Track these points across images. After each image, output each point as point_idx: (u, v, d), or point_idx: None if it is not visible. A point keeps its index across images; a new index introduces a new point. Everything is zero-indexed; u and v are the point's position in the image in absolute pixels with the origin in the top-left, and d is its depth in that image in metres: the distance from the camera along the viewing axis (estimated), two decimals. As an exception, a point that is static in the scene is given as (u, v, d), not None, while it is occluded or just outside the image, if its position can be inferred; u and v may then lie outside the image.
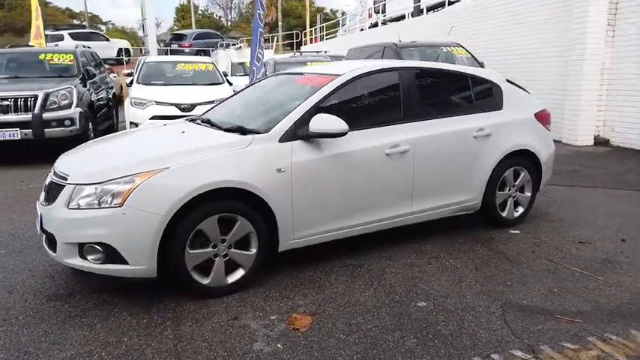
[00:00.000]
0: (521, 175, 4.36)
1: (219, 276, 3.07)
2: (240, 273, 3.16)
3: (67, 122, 7.11)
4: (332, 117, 3.25)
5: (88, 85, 8.24)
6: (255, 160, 3.11)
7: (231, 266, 3.12)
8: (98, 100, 8.76)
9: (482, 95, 4.29)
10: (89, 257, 2.88)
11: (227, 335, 2.67)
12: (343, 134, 3.27)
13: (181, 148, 3.15)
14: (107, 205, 2.80)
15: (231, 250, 3.09)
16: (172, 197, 2.83)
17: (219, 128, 3.52)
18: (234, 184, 2.99)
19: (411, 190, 3.75)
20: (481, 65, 9.50)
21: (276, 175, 3.13)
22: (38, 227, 3.11)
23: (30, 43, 13.44)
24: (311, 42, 27.19)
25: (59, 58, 8.35)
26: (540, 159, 4.41)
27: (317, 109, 3.37)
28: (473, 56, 9.69)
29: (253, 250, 3.16)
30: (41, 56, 8.36)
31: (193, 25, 36.46)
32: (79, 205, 2.84)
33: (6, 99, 6.88)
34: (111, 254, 2.83)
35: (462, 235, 4.17)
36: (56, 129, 7.03)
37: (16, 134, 6.83)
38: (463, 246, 3.96)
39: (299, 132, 3.27)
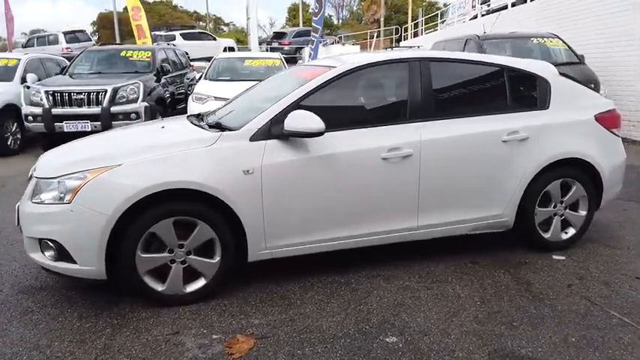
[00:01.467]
0: (573, 190, 3.57)
1: (175, 284, 2.85)
2: (200, 282, 2.91)
3: (132, 115, 7.45)
4: (308, 114, 2.86)
5: (162, 81, 8.61)
6: (218, 160, 2.84)
7: (191, 274, 2.89)
8: (173, 94, 9.12)
9: (521, 91, 3.58)
10: (46, 253, 2.82)
11: (155, 352, 2.44)
12: (319, 134, 2.87)
13: (144, 144, 2.99)
14: (59, 202, 2.71)
15: (190, 256, 2.85)
16: (120, 196, 2.66)
17: (202, 125, 3.30)
18: (189, 185, 2.75)
19: (415, 202, 3.21)
20: (580, 59, 8.28)
21: (242, 178, 2.83)
22: (16, 221, 3.14)
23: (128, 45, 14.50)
24: (414, 36, 26.27)
25: (138, 55, 8.82)
26: (600, 170, 3.57)
27: (298, 105, 3.00)
28: (570, 48, 8.49)
29: (216, 259, 2.89)
30: (122, 54, 8.89)
31: (300, 23, 37.21)
32: (41, 199, 2.79)
33: (80, 93, 7.38)
34: (61, 252, 2.75)
35: (486, 256, 3.52)
36: (123, 122, 7.37)
37: (87, 126, 7.29)
38: (481, 270, 3.33)
39: (274, 130, 2.93)
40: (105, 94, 7.35)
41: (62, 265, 2.76)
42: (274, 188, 2.90)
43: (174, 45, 13.44)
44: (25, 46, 21.66)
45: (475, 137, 3.30)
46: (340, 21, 59.54)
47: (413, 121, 3.20)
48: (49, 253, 2.80)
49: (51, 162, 3.02)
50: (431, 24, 24.27)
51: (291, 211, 2.98)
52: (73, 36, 21.40)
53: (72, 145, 3.38)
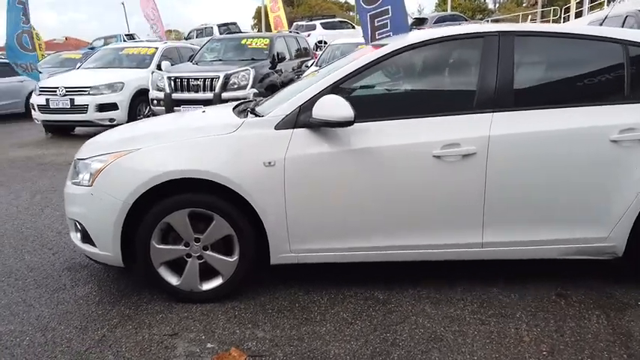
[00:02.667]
0: None
1: (191, 280, 2.65)
2: (217, 281, 2.67)
3: (242, 101, 7.59)
4: (335, 100, 2.41)
5: (276, 67, 8.66)
6: (237, 149, 2.55)
7: (208, 272, 2.66)
8: (291, 81, 9.13)
9: (648, 75, 2.65)
10: (77, 234, 2.83)
11: (143, 353, 2.26)
12: (347, 123, 2.41)
13: (171, 129, 2.82)
14: (85, 184, 2.68)
15: (207, 252, 2.62)
16: (134, 182, 2.52)
17: (238, 111, 3.03)
18: (201, 175, 2.51)
19: (480, 212, 2.57)
20: None
21: (262, 170, 2.51)
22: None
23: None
24: (576, 17, 23.14)
25: (257, 43, 8.98)
26: None
27: (334, 90, 2.56)
28: None
29: (234, 258, 2.63)
30: (243, 42, 9.15)
31: (449, 8, 35.44)
32: (75, 181, 2.80)
33: (197, 79, 7.74)
34: (84, 234, 2.73)
35: (579, 290, 2.70)
36: (233, 107, 7.57)
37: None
38: (566, 308, 2.55)
39: (303, 118, 2.54)
40: (217, 81, 7.59)
41: (86, 248, 2.74)
42: (299, 183, 2.52)
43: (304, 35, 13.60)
44: (187, 38, 24.07)
45: (570, 134, 2.52)
46: (497, 4, 55.56)
47: (481, 111, 2.54)
48: (77, 235, 2.81)
49: (91, 143, 3.03)
50: (596, 2, 21.10)
51: (318, 211, 2.57)
52: (226, 28, 23.13)
53: (120, 128, 3.39)
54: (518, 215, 2.59)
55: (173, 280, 2.66)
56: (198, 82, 7.69)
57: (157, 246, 2.61)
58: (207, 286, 2.67)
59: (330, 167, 2.52)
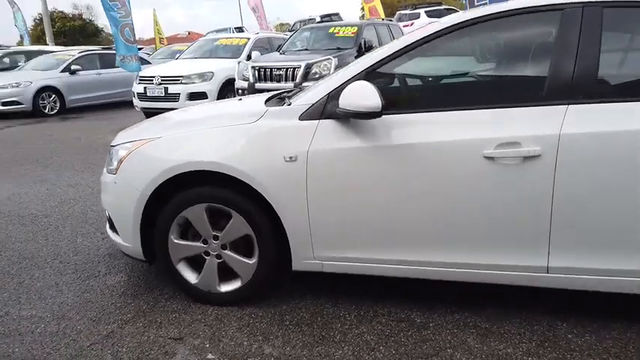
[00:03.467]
0: None
1: (209, 279, 2.47)
2: (236, 284, 2.46)
3: (322, 92, 7.37)
4: (363, 87, 2.05)
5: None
6: (256, 140, 2.29)
7: (227, 273, 2.46)
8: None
9: None
10: (107, 222, 2.79)
11: (141, 356, 2.11)
12: (373, 114, 2.04)
13: (197, 117, 2.63)
14: (112, 171, 2.61)
15: (226, 252, 2.42)
16: (151, 173, 2.38)
17: (270, 100, 2.77)
18: (215, 168, 2.29)
19: (545, 229, 2.06)
20: None
21: (282, 165, 2.23)
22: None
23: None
24: None
25: (344, 32, 8.70)
26: None
27: (369, 75, 2.20)
28: None
29: (253, 260, 2.39)
30: (330, 30, 8.90)
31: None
32: (108, 168, 2.75)
33: (280, 69, 7.66)
34: (111, 223, 2.66)
35: (681, 340, 2.08)
36: (313, 98, 7.38)
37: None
38: (657, 362, 1.96)
39: (330, 107, 2.21)
40: (299, 70, 7.45)
41: (113, 237, 2.67)
42: (323, 182, 2.21)
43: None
44: (291, 29, 24.53)
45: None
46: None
47: (551, 102, 2.02)
48: (107, 223, 2.76)
49: (126, 130, 2.96)
50: None
51: (346, 215, 2.24)
52: (328, 19, 23.17)
53: (162, 115, 3.29)
54: (595, 236, 2.03)
55: (192, 278, 2.50)
56: (281, 72, 7.61)
57: (175, 241, 2.46)
58: (226, 287, 2.47)
59: (359, 165, 2.16)
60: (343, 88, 2.13)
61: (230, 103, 3.10)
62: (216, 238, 2.41)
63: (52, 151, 6.69)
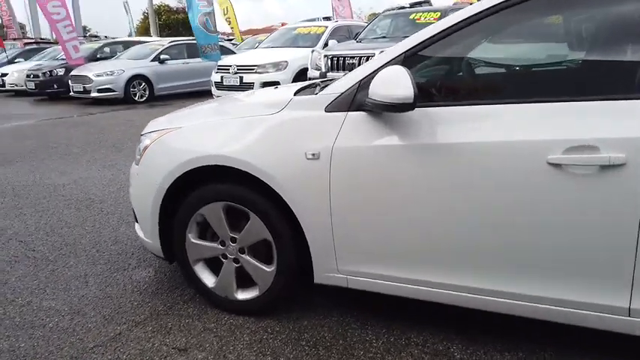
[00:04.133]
0: None
1: (226, 284, 2.25)
2: (254, 292, 2.22)
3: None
4: (395, 73, 1.69)
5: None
6: (276, 133, 2.01)
7: (246, 280, 2.23)
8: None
9: None
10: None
11: (139, 365, 1.94)
12: (405, 106, 1.68)
13: (228, 106, 2.40)
14: (136, 162, 2.47)
15: (244, 256, 2.18)
16: (169, 165, 2.20)
17: (301, 88, 2.47)
18: (229, 163, 2.04)
19: (629, 260, 1.58)
20: None
21: (303, 163, 1.93)
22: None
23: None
24: None
25: (425, 17, 8.15)
26: None
27: (408, 61, 1.82)
28: None
29: (272, 267, 2.13)
30: (411, 16, 8.38)
31: None
32: (137, 158, 2.63)
33: (353, 57, 7.33)
34: (135, 216, 2.53)
35: None
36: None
37: (353, 91, 7.20)
38: None
39: (360, 97, 1.87)
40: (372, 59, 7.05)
41: (137, 231, 2.55)
42: (348, 185, 1.88)
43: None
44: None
45: None
46: None
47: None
48: (134, 217, 2.64)
49: (156, 119, 2.80)
50: None
51: (375, 225, 1.89)
52: (419, 7, 22.35)
53: (200, 103, 3.11)
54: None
55: (209, 281, 2.30)
56: (354, 61, 7.28)
57: (193, 240, 2.26)
58: (243, 295, 2.24)
59: (392, 167, 1.81)
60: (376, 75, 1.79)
61: (265, 92, 2.86)
62: (234, 240, 2.18)
63: (129, 137, 6.92)
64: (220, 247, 2.22)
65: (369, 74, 1.87)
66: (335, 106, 1.92)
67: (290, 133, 1.98)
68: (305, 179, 1.94)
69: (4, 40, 20.01)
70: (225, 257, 2.23)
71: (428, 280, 1.87)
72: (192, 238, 2.26)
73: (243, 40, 18.20)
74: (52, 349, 2.04)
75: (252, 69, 8.52)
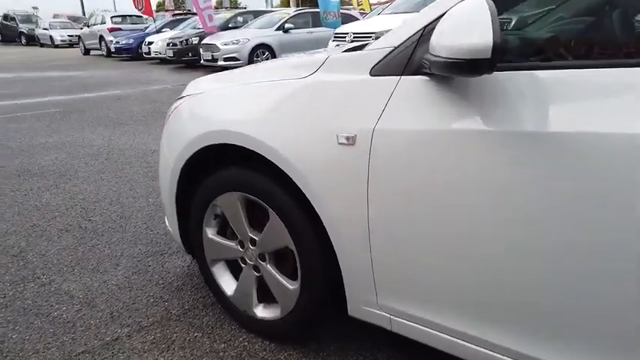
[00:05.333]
0: None
1: (245, 295, 1.77)
2: (274, 312, 1.71)
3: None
4: (478, 8, 0.99)
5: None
6: (299, 106, 1.42)
7: (269, 293, 1.72)
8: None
9: None
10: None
11: (116, 388, 1.55)
12: (477, 66, 0.97)
13: (262, 67, 1.85)
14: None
15: (264, 264, 1.67)
16: (181, 142, 1.75)
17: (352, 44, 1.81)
18: (240, 142, 1.51)
19: None
20: None
21: (333, 149, 1.33)
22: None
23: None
24: None
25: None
26: None
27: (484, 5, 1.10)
28: None
29: (295, 284, 1.60)
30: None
31: None
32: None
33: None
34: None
35: None
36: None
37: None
38: None
39: (421, 54, 1.20)
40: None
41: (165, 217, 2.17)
42: (395, 185, 1.24)
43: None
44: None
45: None
46: None
47: None
48: (168, 195, 2.27)
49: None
50: None
51: (433, 248, 1.24)
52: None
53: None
54: None
55: (228, 288, 1.84)
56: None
57: (210, 235, 1.81)
58: (263, 313, 1.74)
59: (463, 165, 1.13)
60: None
61: (313, 53, 2.25)
62: (254, 242, 1.67)
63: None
64: (239, 248, 1.74)
65: (437, 18, 1.19)
66: (384, 68, 1.28)
67: (317, 106, 1.38)
68: (333, 172, 1.34)
69: (157, 12, 21.81)
70: (245, 262, 1.74)
71: (521, 352, 1.17)
72: (209, 232, 1.81)
73: (371, 9, 17.43)
74: (39, 347, 1.75)
75: (369, 36, 7.84)
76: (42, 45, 27.06)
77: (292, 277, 1.63)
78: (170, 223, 1.98)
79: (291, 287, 1.60)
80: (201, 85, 1.91)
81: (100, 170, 3.88)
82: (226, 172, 1.66)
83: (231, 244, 1.75)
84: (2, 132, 5.33)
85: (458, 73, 1.03)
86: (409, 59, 1.23)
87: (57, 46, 25.84)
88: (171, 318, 1.90)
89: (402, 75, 1.24)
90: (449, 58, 1.02)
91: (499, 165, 1.06)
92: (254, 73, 1.72)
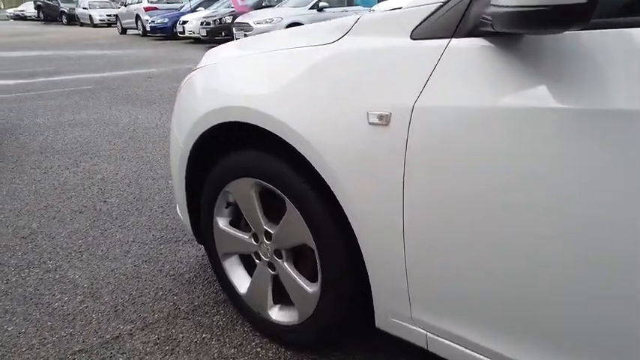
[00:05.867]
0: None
1: (259, 295, 1.56)
2: (291, 316, 1.50)
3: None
4: None
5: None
6: (321, 77, 1.17)
7: (284, 295, 1.51)
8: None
9: None
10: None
11: (110, 396, 1.38)
12: (569, 13, 0.69)
13: (290, 32, 1.60)
14: (178, 110, 1.86)
15: (280, 262, 1.45)
16: (190, 119, 1.54)
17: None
18: (254, 120, 1.29)
19: None
20: None
21: (362, 129, 1.08)
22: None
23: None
24: None
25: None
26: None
27: None
28: None
29: (314, 287, 1.37)
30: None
31: None
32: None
33: None
34: (175, 181, 1.96)
35: None
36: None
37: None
38: None
39: (478, 10, 0.93)
40: None
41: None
42: (439, 175, 0.99)
43: None
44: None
45: None
46: None
47: None
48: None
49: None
50: None
51: (484, 254, 0.99)
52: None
53: None
54: None
55: (241, 285, 1.63)
56: None
57: (222, 226, 1.60)
58: (278, 316, 1.53)
59: (535, 150, 0.86)
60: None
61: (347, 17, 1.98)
62: (269, 237, 1.46)
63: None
64: (253, 242, 1.52)
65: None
66: (429, 29, 1.02)
67: (343, 78, 1.13)
68: (362, 160, 1.10)
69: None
70: (259, 258, 1.53)
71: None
72: (221, 223, 1.60)
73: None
74: (34, 343, 1.59)
75: (408, 14, 7.45)
76: (81, 24, 27.44)
77: (311, 278, 1.41)
78: (181, 210, 1.78)
79: (310, 290, 1.38)
80: (219, 53, 1.69)
81: (123, 149, 3.75)
82: (238, 154, 1.44)
83: (245, 236, 1.54)
84: (32, 108, 5.29)
85: (536, 26, 0.76)
86: (462, 17, 0.96)
87: (95, 26, 26.14)
88: (178, 315, 1.71)
89: (452, 37, 0.97)
90: (523, 7, 0.75)
91: (588, 156, 0.80)
92: (279, 39, 1.48)
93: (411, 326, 1.18)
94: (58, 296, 1.84)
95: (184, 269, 2.01)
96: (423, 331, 1.17)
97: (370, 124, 1.07)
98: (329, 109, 1.14)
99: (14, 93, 6.23)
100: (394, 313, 1.20)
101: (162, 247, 2.21)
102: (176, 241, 2.25)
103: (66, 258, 2.12)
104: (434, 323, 1.13)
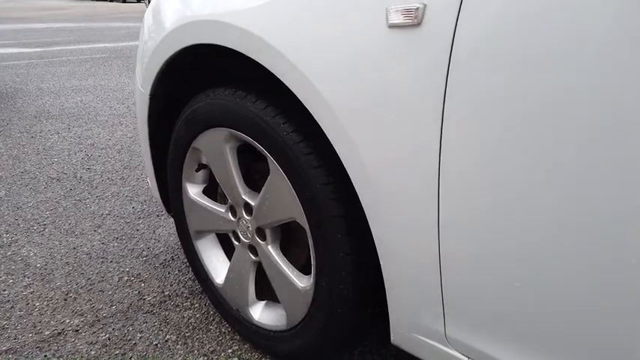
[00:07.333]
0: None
1: (238, 287, 1.17)
2: (276, 317, 1.10)
3: None
4: None
5: None
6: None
7: (271, 289, 1.11)
8: None
9: None
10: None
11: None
12: None
13: None
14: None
15: (263, 244, 1.05)
16: (153, 42, 1.14)
17: None
18: (223, 41, 0.88)
19: None
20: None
21: (378, 39, 0.67)
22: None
23: None
24: None
25: None
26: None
27: None
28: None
29: (306, 282, 0.97)
30: None
31: None
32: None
33: None
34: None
35: None
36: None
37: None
38: None
39: None
40: None
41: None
42: (504, 118, 0.57)
43: None
44: None
45: None
46: None
47: None
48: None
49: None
50: None
51: (563, 252, 0.57)
52: None
53: None
54: None
55: (217, 274, 1.24)
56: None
57: (191, 195, 1.21)
58: (262, 318, 1.14)
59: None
60: None
61: None
62: (249, 210, 1.06)
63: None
64: (230, 217, 1.13)
65: None
66: None
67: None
68: (377, 86, 0.68)
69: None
70: (238, 239, 1.13)
71: None
72: (191, 191, 1.21)
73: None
74: (-46, 337, 1.25)
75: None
76: (111, 0, 27.43)
77: (302, 269, 1.01)
78: (147, 172, 1.40)
79: (300, 286, 0.98)
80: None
81: (122, 114, 3.41)
82: (207, 94, 1.04)
83: (220, 210, 1.15)
84: (40, 74, 5.01)
85: None
86: None
87: (124, 1, 26.08)
88: (142, 308, 1.34)
89: None
90: None
91: None
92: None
93: (443, 347, 0.78)
94: (2, 278, 1.50)
95: (161, 249, 1.65)
96: (459, 355, 0.76)
97: (390, 26, 0.65)
98: (330, 12, 0.72)
99: (27, 60, 5.99)
100: (419, 327, 0.80)
101: (140, 221, 1.84)
102: (158, 215, 1.89)
103: (26, 232, 1.78)
104: (480, 348, 0.72)
